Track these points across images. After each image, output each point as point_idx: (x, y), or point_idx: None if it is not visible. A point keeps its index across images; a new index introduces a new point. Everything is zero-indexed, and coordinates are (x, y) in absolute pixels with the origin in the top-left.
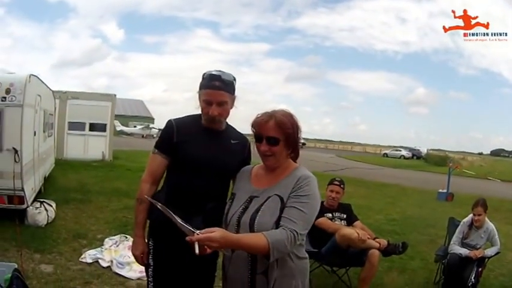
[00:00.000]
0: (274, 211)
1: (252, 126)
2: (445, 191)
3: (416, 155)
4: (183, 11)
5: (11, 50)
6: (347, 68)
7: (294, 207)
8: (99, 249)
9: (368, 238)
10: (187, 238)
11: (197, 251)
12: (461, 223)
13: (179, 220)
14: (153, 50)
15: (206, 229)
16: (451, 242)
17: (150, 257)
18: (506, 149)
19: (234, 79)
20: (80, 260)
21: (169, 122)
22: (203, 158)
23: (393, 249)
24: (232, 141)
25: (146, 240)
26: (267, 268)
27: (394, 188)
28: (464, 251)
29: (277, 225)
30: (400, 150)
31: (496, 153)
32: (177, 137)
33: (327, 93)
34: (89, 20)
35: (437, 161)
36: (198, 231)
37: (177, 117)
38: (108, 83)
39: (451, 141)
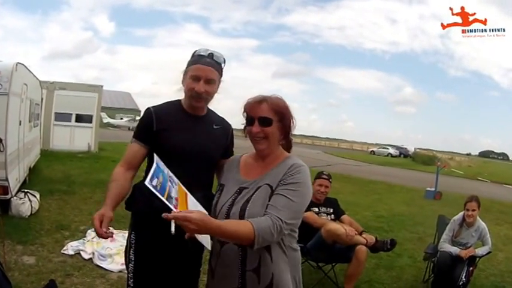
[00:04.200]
0: (264, 201)
1: (244, 109)
2: (433, 189)
3: (403, 153)
4: (174, 6)
5: (2, 41)
6: (335, 65)
7: (281, 194)
8: (81, 240)
9: (355, 234)
10: (163, 215)
11: (173, 229)
12: (452, 221)
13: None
14: (143, 43)
15: (185, 210)
16: (441, 240)
17: (132, 251)
18: (495, 150)
19: (224, 61)
20: (62, 251)
21: (147, 110)
22: (186, 146)
23: (381, 246)
24: (214, 126)
25: (127, 233)
26: (259, 265)
27: (382, 185)
28: (454, 250)
29: None
30: (387, 148)
31: (485, 154)
32: (157, 125)
33: (315, 89)
34: (80, 12)
35: (425, 160)
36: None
37: (156, 104)
38: (97, 75)
39: (438, 141)
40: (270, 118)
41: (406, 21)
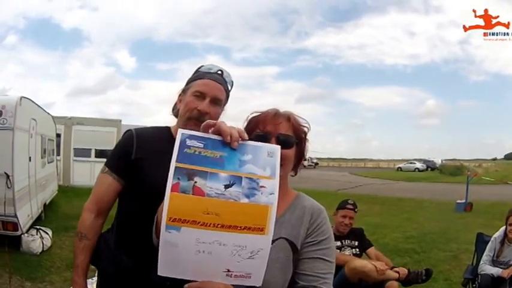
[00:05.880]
0: (285, 265)
1: (253, 123)
2: (463, 201)
3: (430, 166)
4: (194, 38)
5: (25, 78)
6: (357, 85)
7: (320, 258)
8: (89, 280)
9: (386, 269)
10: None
11: None
12: (492, 239)
13: None
14: (166, 77)
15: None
16: (481, 262)
17: None
18: None
19: (232, 84)
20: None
21: (128, 133)
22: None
23: (415, 277)
24: None
25: None
26: None
27: (410, 202)
28: (496, 271)
29: (290, 286)
30: (414, 163)
31: (510, 156)
32: (137, 153)
33: (338, 111)
34: (102, 48)
35: (452, 171)
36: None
37: (140, 126)
38: (121, 110)
39: (464, 150)
40: (292, 137)
41: (424, 32)
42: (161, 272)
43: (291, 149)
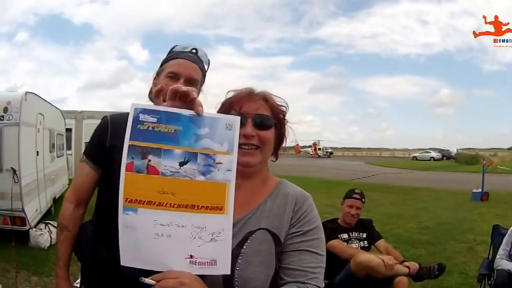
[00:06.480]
0: (267, 258)
1: (226, 104)
2: (479, 190)
3: (446, 155)
4: (205, 29)
5: (36, 74)
6: (371, 74)
7: (307, 250)
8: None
9: (396, 263)
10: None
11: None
12: (509, 232)
13: None
14: None
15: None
16: (497, 256)
17: None
18: None
19: (208, 62)
20: (75, 284)
21: (104, 119)
22: None
23: (427, 273)
24: None
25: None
26: None
27: (425, 191)
28: None
29: (274, 282)
30: (429, 152)
31: None
32: (111, 140)
33: (352, 101)
34: (113, 42)
35: (468, 159)
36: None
37: (117, 112)
38: (134, 103)
39: (479, 139)
40: (270, 118)
41: (437, 21)
42: (124, 261)
43: (269, 130)
